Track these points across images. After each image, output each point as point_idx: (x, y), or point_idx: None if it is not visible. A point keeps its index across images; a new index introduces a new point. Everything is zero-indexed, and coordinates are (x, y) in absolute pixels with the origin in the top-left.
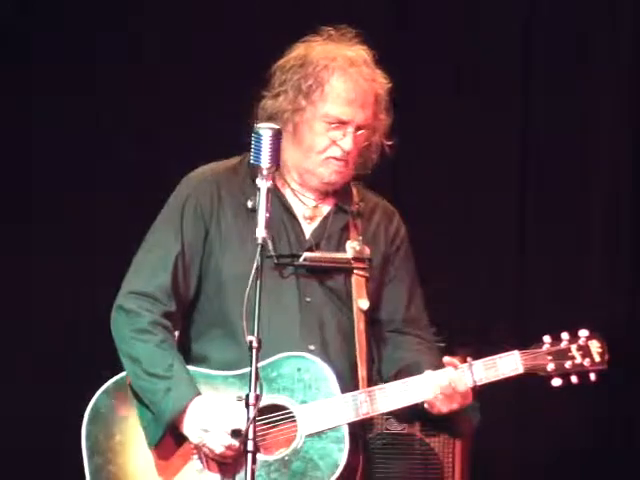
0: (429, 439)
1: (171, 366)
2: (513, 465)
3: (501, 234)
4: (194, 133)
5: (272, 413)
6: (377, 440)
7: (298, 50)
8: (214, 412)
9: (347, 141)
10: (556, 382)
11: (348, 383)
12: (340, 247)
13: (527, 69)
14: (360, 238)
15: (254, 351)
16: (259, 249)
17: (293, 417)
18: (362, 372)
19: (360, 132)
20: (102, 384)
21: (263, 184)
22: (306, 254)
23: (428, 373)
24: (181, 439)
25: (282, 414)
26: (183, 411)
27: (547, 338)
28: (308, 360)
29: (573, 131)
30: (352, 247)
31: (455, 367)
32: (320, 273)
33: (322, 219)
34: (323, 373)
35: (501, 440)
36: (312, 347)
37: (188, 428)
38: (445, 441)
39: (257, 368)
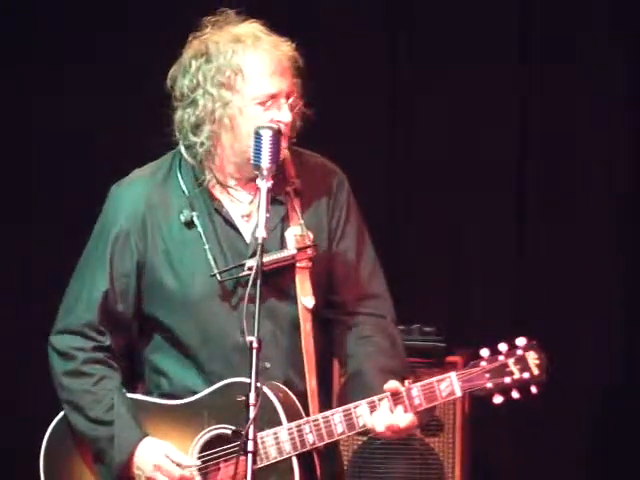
0: (429, 439)
1: (111, 408)
2: (513, 465)
3: (501, 234)
4: None
5: (221, 445)
6: (377, 440)
7: (193, 49)
8: (160, 449)
9: (285, 113)
10: (497, 399)
11: (299, 397)
12: (282, 240)
13: (525, 70)
14: (301, 222)
15: (254, 351)
16: (259, 249)
17: (240, 448)
18: (311, 383)
19: (290, 100)
20: None
21: (263, 184)
22: (249, 263)
23: (375, 413)
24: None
25: (232, 446)
26: (130, 458)
27: (485, 352)
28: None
29: (572, 131)
30: (294, 235)
31: (397, 396)
32: (265, 278)
33: (249, 215)
34: (269, 402)
35: (501, 440)
36: (268, 364)
37: (138, 470)
38: (445, 441)
39: (257, 368)
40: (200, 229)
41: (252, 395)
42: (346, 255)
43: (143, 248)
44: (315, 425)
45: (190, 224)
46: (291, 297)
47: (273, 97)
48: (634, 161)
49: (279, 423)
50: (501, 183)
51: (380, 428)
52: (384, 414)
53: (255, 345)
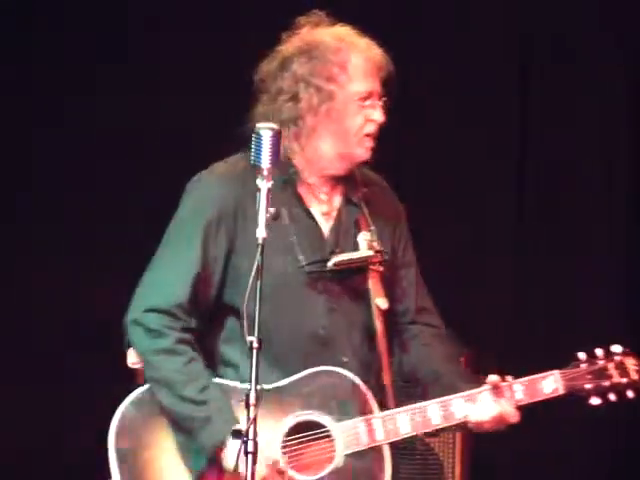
0: (429, 439)
1: (205, 388)
2: (513, 465)
3: (500, 235)
4: (194, 133)
5: (308, 430)
6: None
7: (294, 46)
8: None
9: (379, 113)
10: (595, 401)
11: (375, 392)
12: (354, 242)
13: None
14: (371, 229)
15: (254, 352)
16: (259, 249)
17: (330, 435)
18: (386, 379)
19: (383, 100)
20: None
21: (263, 184)
22: (335, 259)
23: (481, 398)
24: (218, 464)
25: (320, 432)
26: (224, 443)
27: (582, 355)
28: (342, 376)
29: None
30: (365, 240)
31: (497, 390)
32: (341, 276)
33: (336, 214)
34: (359, 390)
35: (501, 440)
36: (345, 359)
37: (226, 457)
38: (445, 441)
39: (257, 368)
40: (286, 222)
41: (252, 395)
42: (410, 269)
43: (233, 236)
44: (412, 414)
45: (276, 217)
46: (364, 297)
47: (371, 95)
48: (634, 161)
49: (370, 411)
50: (502, 182)
51: (485, 417)
52: (489, 405)
53: (255, 345)
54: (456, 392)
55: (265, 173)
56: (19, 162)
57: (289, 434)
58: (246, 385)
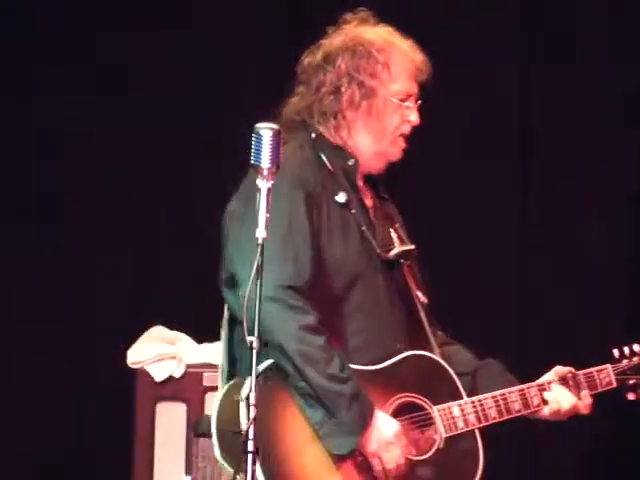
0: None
1: (343, 366)
2: (513, 465)
3: (501, 234)
4: (194, 133)
5: (409, 413)
6: None
7: (340, 41)
8: (393, 425)
9: (415, 115)
10: (631, 396)
11: None
12: (390, 235)
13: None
14: (397, 226)
15: (254, 352)
16: (259, 249)
17: (430, 417)
18: None
19: (419, 102)
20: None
21: (263, 184)
22: (397, 249)
23: (554, 387)
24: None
25: (422, 414)
26: (371, 419)
27: (617, 352)
28: (433, 360)
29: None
30: (397, 235)
31: (565, 380)
32: (391, 268)
33: (372, 209)
34: (449, 374)
35: (501, 440)
36: (399, 345)
37: (368, 437)
38: None
39: (256, 368)
40: (354, 211)
41: (252, 395)
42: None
43: (318, 218)
44: (495, 401)
45: (345, 205)
46: (406, 290)
47: (409, 96)
48: (635, 163)
49: (459, 396)
50: (502, 183)
51: (566, 406)
52: (565, 394)
53: (255, 345)
54: (505, 384)
55: (265, 173)
56: (19, 162)
57: (393, 415)
58: (359, 367)
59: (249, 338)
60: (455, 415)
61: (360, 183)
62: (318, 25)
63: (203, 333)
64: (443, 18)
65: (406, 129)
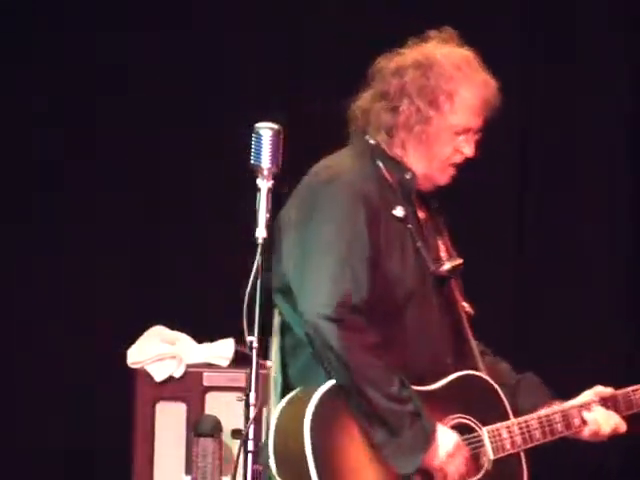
0: None
1: (402, 386)
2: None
3: (501, 236)
4: (194, 133)
5: (460, 434)
6: None
7: (414, 58)
8: (453, 437)
9: (471, 147)
10: None
11: None
12: (438, 246)
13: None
14: (445, 238)
15: (254, 351)
16: (259, 249)
17: (479, 439)
18: None
19: (478, 135)
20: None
21: (263, 184)
22: (448, 264)
23: (594, 408)
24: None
25: (472, 436)
26: (434, 437)
27: None
28: (484, 380)
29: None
30: (442, 244)
31: (605, 400)
32: (441, 283)
33: (425, 222)
34: (497, 395)
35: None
36: (449, 360)
37: (433, 453)
38: None
39: (258, 368)
40: (410, 225)
41: (252, 395)
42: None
43: (377, 234)
44: (540, 422)
45: (402, 219)
46: (452, 302)
47: (468, 131)
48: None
49: (507, 417)
50: (502, 182)
51: (606, 427)
52: (605, 415)
53: (255, 345)
54: (545, 399)
55: (265, 173)
56: (19, 162)
57: None
58: (420, 387)
59: (249, 338)
60: (503, 437)
61: (414, 195)
62: (318, 25)
63: (203, 333)
64: (443, 18)
65: (457, 159)
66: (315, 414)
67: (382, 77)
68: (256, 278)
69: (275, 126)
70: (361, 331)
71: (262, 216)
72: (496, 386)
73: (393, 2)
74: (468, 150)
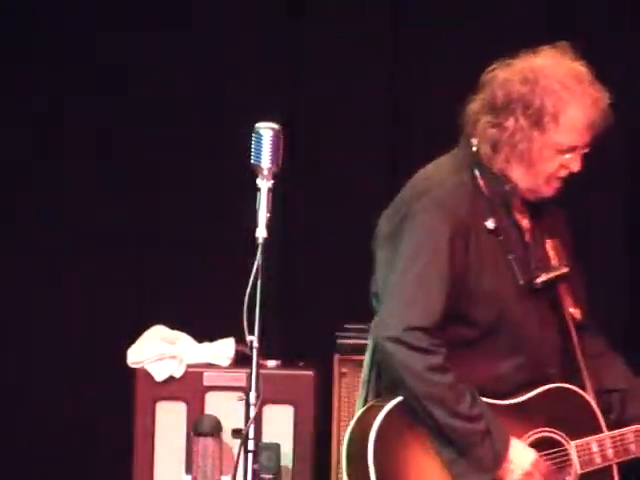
0: None
1: (473, 402)
2: None
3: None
4: (194, 133)
5: (545, 447)
6: None
7: (523, 74)
8: (530, 454)
9: (577, 164)
10: None
11: None
12: (547, 256)
13: None
14: (557, 240)
15: (254, 351)
16: (259, 249)
17: (566, 454)
18: (588, 392)
19: (585, 150)
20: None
21: (263, 184)
22: (543, 277)
23: None
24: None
25: (558, 450)
26: (506, 453)
27: None
28: (575, 393)
29: None
30: (552, 249)
31: None
32: (542, 290)
33: (531, 228)
34: (590, 408)
35: None
36: (552, 371)
37: (513, 465)
38: None
39: (258, 368)
40: (502, 237)
41: (252, 395)
42: (581, 276)
43: (465, 250)
44: (636, 435)
45: (495, 231)
46: (558, 309)
47: (574, 149)
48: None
49: (600, 430)
50: None
51: None
52: None
53: (256, 345)
54: None
55: (265, 173)
56: (18, 162)
57: None
58: (493, 400)
59: (249, 338)
60: (593, 451)
61: (517, 203)
62: (318, 25)
63: (203, 333)
64: (444, 17)
65: (562, 174)
66: (381, 427)
67: (491, 88)
68: (256, 278)
69: (275, 126)
70: (426, 352)
71: (262, 216)
72: (589, 399)
73: (393, 2)
74: (574, 166)
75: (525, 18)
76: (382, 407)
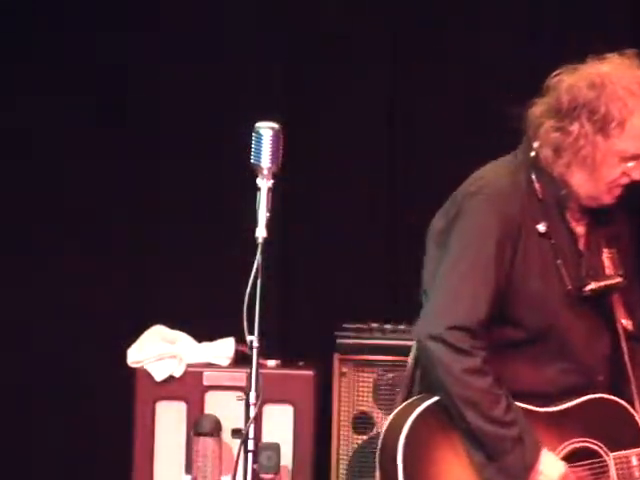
0: None
1: (509, 408)
2: None
3: None
4: (195, 133)
5: (583, 457)
6: (377, 439)
7: (588, 75)
8: (559, 467)
9: (639, 172)
10: None
11: None
12: (601, 264)
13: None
14: (615, 250)
15: (254, 351)
16: (259, 249)
17: (605, 465)
18: (637, 404)
19: None
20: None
21: (263, 184)
22: (593, 285)
23: None
24: None
25: (595, 461)
26: (535, 462)
27: None
28: (618, 404)
29: None
30: (608, 258)
31: None
32: (592, 298)
33: (585, 235)
34: (633, 420)
35: None
36: (601, 377)
37: (542, 475)
38: None
39: (257, 367)
40: (554, 241)
41: (252, 395)
42: (635, 282)
43: (513, 251)
44: None
45: (546, 235)
46: (609, 318)
47: (638, 157)
48: None
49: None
50: None
51: None
52: None
53: (256, 345)
54: None
55: (265, 172)
56: (19, 162)
57: (565, 460)
58: (533, 407)
59: (249, 338)
60: (633, 464)
61: (574, 209)
62: (318, 25)
63: (203, 333)
64: (445, 18)
65: (624, 181)
66: (414, 425)
67: (556, 92)
68: (256, 278)
69: (275, 126)
70: (466, 353)
71: (262, 216)
72: (632, 412)
73: (393, 2)
74: (636, 174)
75: (526, 18)
76: (419, 405)
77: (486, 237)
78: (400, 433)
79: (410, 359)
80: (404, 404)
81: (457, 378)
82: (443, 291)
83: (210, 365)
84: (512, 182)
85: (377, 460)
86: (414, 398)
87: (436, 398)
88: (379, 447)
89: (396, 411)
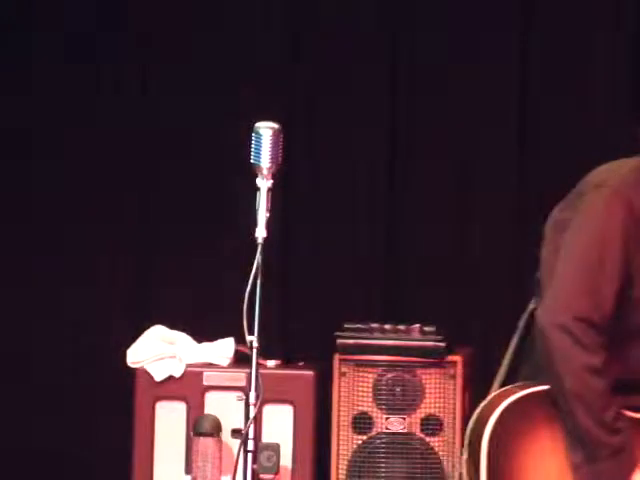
0: (429, 439)
1: (618, 415)
2: None
3: (502, 236)
4: (195, 133)
5: None
6: (377, 440)
7: None
8: None
9: None
10: None
11: None
12: None
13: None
14: None
15: (254, 351)
16: (259, 249)
17: None
18: None
19: None
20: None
21: (263, 184)
22: None
23: None
24: None
25: None
26: (628, 478)
27: None
28: None
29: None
30: None
31: None
32: None
33: None
34: None
35: None
36: None
37: None
38: (445, 441)
39: (257, 368)
40: None
41: (252, 394)
42: None
43: (637, 247)
44: None
45: None
46: None
47: None
48: None
49: None
50: (501, 182)
51: None
52: None
53: (255, 345)
54: None
55: (265, 172)
56: (19, 163)
57: None
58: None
59: (249, 338)
60: None
61: None
62: (318, 25)
63: (203, 333)
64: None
65: None
66: (503, 414)
67: None
68: (256, 278)
69: (275, 126)
70: (591, 350)
71: (262, 216)
72: None
73: (394, 2)
74: None
75: (525, 19)
76: (513, 393)
77: (612, 228)
78: (489, 419)
79: (511, 347)
80: (500, 390)
81: (575, 373)
82: (569, 282)
83: (210, 365)
84: (636, 177)
85: (465, 444)
86: (517, 384)
87: (536, 388)
88: (468, 431)
89: (490, 397)
